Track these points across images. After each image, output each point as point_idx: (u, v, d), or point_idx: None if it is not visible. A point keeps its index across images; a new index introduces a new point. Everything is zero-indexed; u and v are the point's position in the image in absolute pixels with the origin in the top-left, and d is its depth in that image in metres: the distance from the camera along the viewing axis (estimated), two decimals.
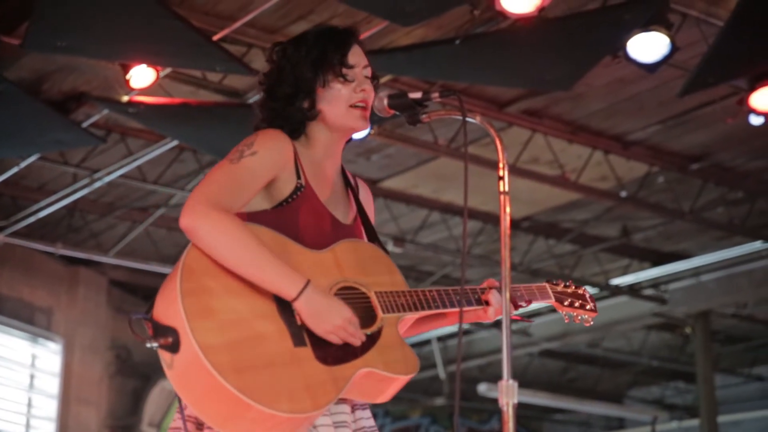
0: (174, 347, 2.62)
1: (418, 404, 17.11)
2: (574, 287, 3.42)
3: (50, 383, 11.71)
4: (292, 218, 2.90)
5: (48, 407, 11.62)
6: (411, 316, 2.96)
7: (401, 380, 2.85)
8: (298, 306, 2.74)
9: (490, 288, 3.14)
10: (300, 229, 2.89)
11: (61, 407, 11.62)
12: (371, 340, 2.82)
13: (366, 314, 2.86)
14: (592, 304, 3.43)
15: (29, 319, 11.51)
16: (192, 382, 2.63)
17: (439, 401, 16.27)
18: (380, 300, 2.89)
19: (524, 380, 15.07)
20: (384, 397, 2.87)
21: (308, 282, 2.75)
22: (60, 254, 10.76)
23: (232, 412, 2.60)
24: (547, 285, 3.36)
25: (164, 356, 2.66)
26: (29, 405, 11.56)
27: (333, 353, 2.75)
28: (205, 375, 2.57)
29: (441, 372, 14.81)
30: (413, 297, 2.96)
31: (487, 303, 3.11)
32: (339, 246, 2.92)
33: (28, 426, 11.48)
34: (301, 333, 2.73)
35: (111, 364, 12.32)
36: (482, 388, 13.67)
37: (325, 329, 2.74)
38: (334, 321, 2.75)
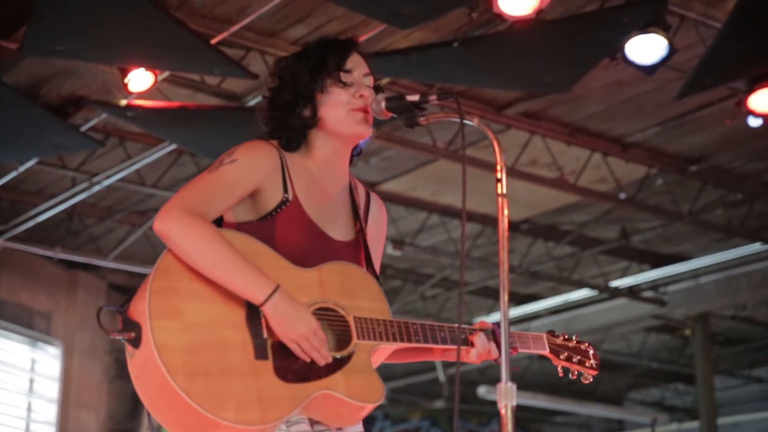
0: (136, 342, 2.66)
1: (418, 407, 17.10)
2: (576, 342, 3.35)
3: (50, 387, 11.69)
4: (274, 232, 2.89)
5: (47, 411, 11.61)
6: (387, 347, 2.91)
7: (362, 408, 2.80)
8: (266, 310, 2.73)
9: (481, 330, 3.07)
10: (281, 243, 2.87)
11: (61, 411, 11.61)
12: (339, 364, 2.79)
13: (341, 337, 2.84)
14: (593, 361, 3.35)
15: (28, 323, 11.50)
16: (146, 379, 2.66)
17: (439, 404, 16.26)
18: (357, 325, 2.85)
19: (524, 382, 15.06)
20: (349, 422, 2.84)
21: (277, 287, 2.74)
22: (59, 258, 10.75)
23: (180, 415, 2.62)
24: (545, 336, 3.29)
25: (129, 348, 2.70)
26: (29, 409, 11.54)
27: (295, 371, 2.73)
28: (157, 373, 2.60)
29: (441, 375, 14.81)
30: (393, 327, 2.91)
31: (471, 344, 3.04)
32: (327, 267, 2.89)
33: (27, 430, 11.47)
34: (264, 346, 2.73)
35: (110, 367, 12.31)
36: (482, 390, 13.65)
37: (289, 336, 2.73)
38: (299, 329, 2.73)
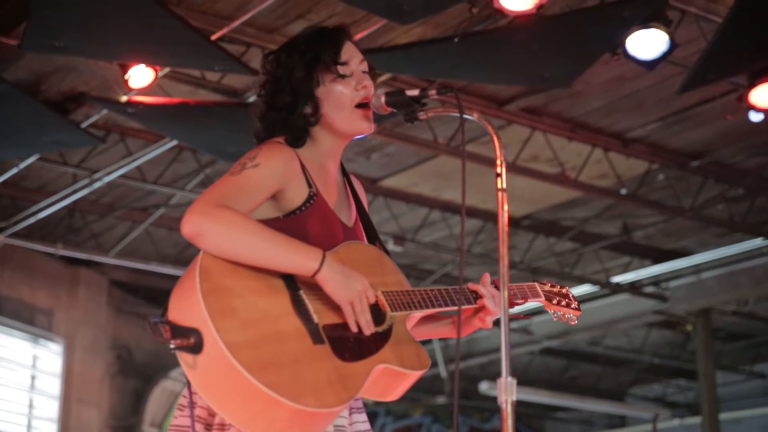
0: (196, 348, 2.60)
1: (420, 403, 17.10)
2: (558, 287, 3.45)
3: (51, 384, 11.71)
4: (303, 226, 2.90)
5: (49, 408, 11.63)
6: (417, 314, 2.97)
7: (414, 375, 2.87)
8: (321, 277, 2.74)
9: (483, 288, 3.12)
10: (311, 236, 2.87)
11: (63, 408, 11.63)
12: (383, 338, 2.84)
13: (375, 313, 2.85)
14: (575, 303, 3.45)
15: (30, 319, 11.51)
16: (217, 382, 2.62)
17: (441, 400, 16.27)
18: (388, 299, 2.90)
19: (526, 378, 15.07)
20: (396, 393, 2.89)
21: (325, 253, 2.76)
22: (60, 255, 10.76)
23: (259, 410, 2.59)
24: (536, 284, 3.37)
25: (185, 358, 2.63)
26: (30, 406, 11.56)
27: (351, 350, 2.76)
28: (231, 373, 2.56)
29: (442, 371, 14.80)
30: (418, 296, 2.97)
31: (478, 301, 3.09)
32: (342, 248, 2.91)
33: (29, 427, 11.49)
34: (318, 331, 2.74)
35: (112, 364, 12.33)
36: (483, 386, 13.64)
37: (349, 296, 2.76)
38: (357, 286, 2.77)
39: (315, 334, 2.72)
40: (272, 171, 2.87)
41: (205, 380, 2.63)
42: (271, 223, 2.86)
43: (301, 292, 2.78)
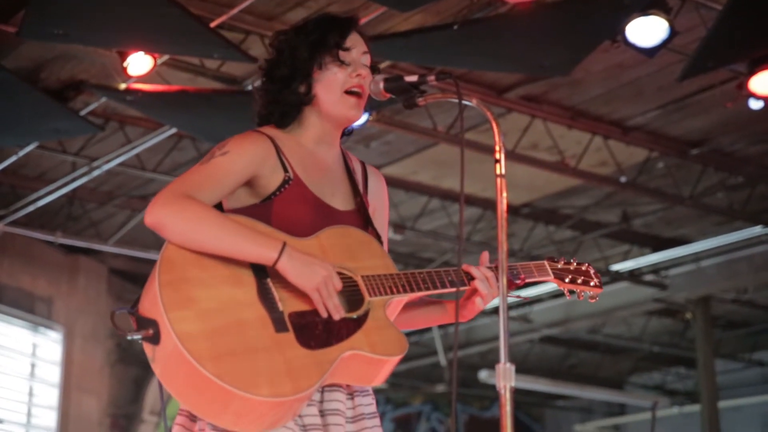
0: (155, 339, 2.62)
1: (419, 391, 17.13)
2: (576, 264, 3.34)
3: (51, 372, 11.71)
4: (281, 210, 2.89)
5: (49, 396, 11.63)
6: (400, 299, 2.92)
7: (389, 362, 2.81)
8: (282, 266, 2.72)
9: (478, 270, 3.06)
10: (290, 219, 2.88)
11: (62, 396, 11.63)
12: (357, 324, 2.80)
13: (352, 298, 2.84)
14: (596, 280, 3.33)
15: (30, 308, 11.51)
16: (173, 373, 2.63)
17: (440, 388, 16.29)
18: (367, 283, 2.86)
19: (525, 367, 15.07)
20: (377, 379, 2.84)
21: (285, 243, 2.74)
22: (60, 243, 10.76)
23: (214, 400, 2.59)
24: (546, 262, 3.28)
25: (147, 350, 2.67)
26: (30, 394, 11.56)
27: (317, 338, 2.73)
28: (184, 364, 2.57)
29: (442, 359, 14.82)
30: (402, 279, 2.92)
31: (471, 282, 3.03)
32: (324, 232, 2.90)
33: (29, 415, 11.49)
34: (282, 319, 2.72)
35: (112, 352, 12.33)
36: (483, 374, 13.66)
37: (313, 282, 2.73)
38: (320, 272, 2.74)
39: (279, 322, 2.70)
40: (241, 157, 2.88)
41: (164, 372, 2.66)
42: (248, 210, 2.88)
43: (269, 280, 2.76)
